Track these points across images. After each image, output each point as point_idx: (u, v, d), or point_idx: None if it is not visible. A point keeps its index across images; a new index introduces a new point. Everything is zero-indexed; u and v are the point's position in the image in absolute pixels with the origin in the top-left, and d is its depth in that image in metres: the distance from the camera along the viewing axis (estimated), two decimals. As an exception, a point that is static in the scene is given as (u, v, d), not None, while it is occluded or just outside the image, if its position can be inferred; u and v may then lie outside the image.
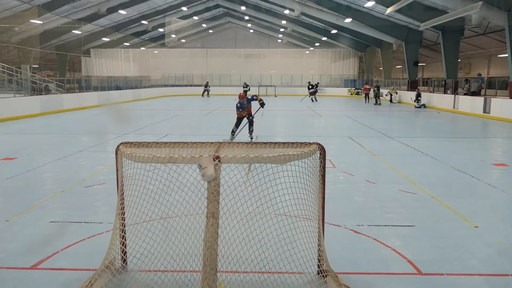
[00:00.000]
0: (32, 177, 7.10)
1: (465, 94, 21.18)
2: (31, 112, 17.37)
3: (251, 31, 48.12)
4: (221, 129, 14.25)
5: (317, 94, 30.57)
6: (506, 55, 17.20)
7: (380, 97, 27.30)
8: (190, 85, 41.44)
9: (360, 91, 36.05)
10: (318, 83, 33.30)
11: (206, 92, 35.46)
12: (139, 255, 3.48)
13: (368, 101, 28.31)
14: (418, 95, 24.33)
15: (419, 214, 5.23)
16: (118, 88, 30.06)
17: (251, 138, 10.98)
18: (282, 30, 42.57)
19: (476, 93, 20.68)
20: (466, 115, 19.38)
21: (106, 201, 5.66)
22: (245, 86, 34.12)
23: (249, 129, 11.15)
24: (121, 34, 39.05)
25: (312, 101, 29.07)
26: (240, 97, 10.97)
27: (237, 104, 10.97)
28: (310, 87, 30.44)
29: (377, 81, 28.98)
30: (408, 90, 28.33)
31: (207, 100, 31.20)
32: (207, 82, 36.58)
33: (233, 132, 11.15)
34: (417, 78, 29.30)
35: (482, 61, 32.43)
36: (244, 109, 10.90)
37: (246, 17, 41.36)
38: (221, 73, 42.15)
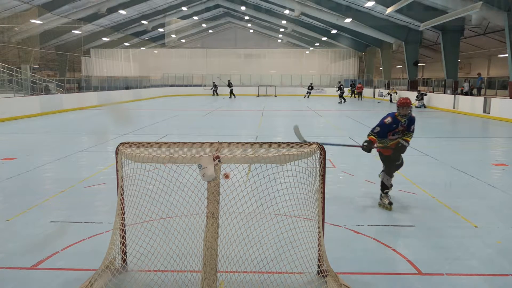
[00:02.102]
0: (32, 177, 7.10)
1: (465, 94, 21.22)
2: (31, 112, 17.37)
3: (251, 31, 48.12)
4: (221, 129, 14.26)
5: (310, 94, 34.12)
6: (506, 55, 17.20)
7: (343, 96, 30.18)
8: (190, 85, 41.49)
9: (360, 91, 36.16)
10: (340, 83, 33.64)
11: (214, 92, 36.55)
12: (139, 255, 3.48)
13: (361, 99, 32.46)
14: (422, 96, 24.32)
15: (419, 214, 5.23)
16: (114, 88, 30.11)
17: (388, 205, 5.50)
18: (282, 30, 42.57)
19: (469, 94, 20.76)
20: (466, 115, 19.38)
21: (106, 201, 5.66)
22: (229, 85, 34.55)
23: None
24: (121, 34, 39.06)
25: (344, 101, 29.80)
26: (404, 103, 5.28)
27: (390, 123, 5.31)
28: (310, 87, 34.23)
29: (340, 82, 32.05)
30: (408, 90, 28.36)
31: (215, 99, 31.84)
32: (213, 82, 37.57)
33: (386, 188, 5.56)
34: (417, 78, 29.33)
35: (482, 61, 32.43)
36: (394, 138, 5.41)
37: (246, 17, 41.36)
38: (221, 73, 42.16)
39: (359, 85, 33.22)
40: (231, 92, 33.92)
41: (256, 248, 3.41)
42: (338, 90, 29.67)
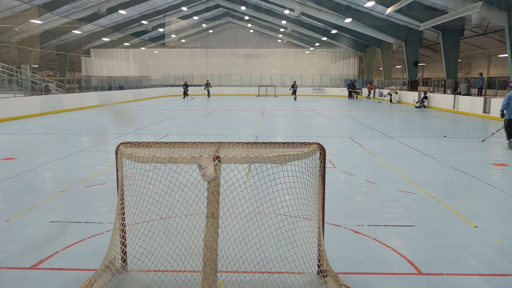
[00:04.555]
0: (32, 177, 7.10)
1: (465, 94, 21.23)
2: (31, 112, 17.37)
3: (251, 31, 48.14)
4: (221, 129, 14.27)
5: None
6: (506, 55, 17.20)
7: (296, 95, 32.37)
8: (190, 85, 41.50)
9: (360, 91, 36.18)
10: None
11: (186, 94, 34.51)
12: (139, 255, 3.48)
13: (369, 97, 34.73)
14: (424, 97, 24.29)
15: (419, 214, 5.23)
16: (112, 88, 30.12)
17: None
18: (282, 30, 42.59)
19: (467, 95, 20.79)
20: (466, 115, 19.38)
21: (106, 201, 5.66)
22: (186, 84, 33.95)
23: None
24: (121, 34, 39.08)
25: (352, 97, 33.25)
26: None
27: None
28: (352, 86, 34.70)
29: (295, 81, 33.65)
30: (408, 90, 28.35)
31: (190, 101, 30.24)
32: (186, 82, 35.39)
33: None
34: (417, 78, 29.33)
35: (482, 61, 32.44)
36: None
37: (246, 17, 41.38)
38: (221, 73, 42.16)
39: (369, 85, 35.43)
40: (184, 92, 33.74)
41: (256, 248, 3.41)
42: (291, 89, 32.19)
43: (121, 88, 31.40)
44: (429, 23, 21.38)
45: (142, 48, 45.39)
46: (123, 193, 3.50)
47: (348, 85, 35.10)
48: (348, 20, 26.81)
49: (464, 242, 4.35)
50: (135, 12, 34.30)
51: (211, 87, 35.61)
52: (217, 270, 3.07)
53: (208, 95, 35.42)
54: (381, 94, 32.81)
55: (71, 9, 28.47)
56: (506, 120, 10.12)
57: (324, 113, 20.22)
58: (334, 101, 30.65)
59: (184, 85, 34.47)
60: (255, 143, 3.64)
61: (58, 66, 38.11)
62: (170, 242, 3.45)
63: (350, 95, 34.04)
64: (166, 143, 3.61)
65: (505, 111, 10.07)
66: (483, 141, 11.13)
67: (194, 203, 3.31)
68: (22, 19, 26.03)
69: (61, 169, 7.79)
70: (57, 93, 21.72)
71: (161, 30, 40.70)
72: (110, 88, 29.26)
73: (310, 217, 3.51)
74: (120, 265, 3.66)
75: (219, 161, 3.06)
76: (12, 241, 4.36)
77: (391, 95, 29.13)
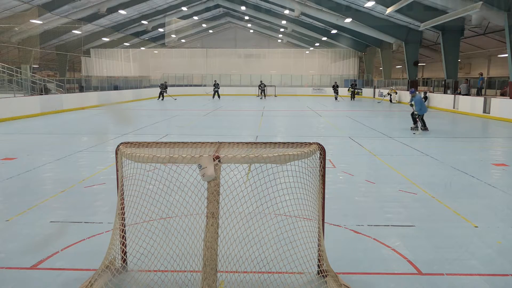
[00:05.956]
0: (32, 177, 7.10)
1: (465, 94, 21.24)
2: (31, 112, 17.37)
3: (251, 31, 48.14)
4: (221, 129, 14.27)
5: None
6: (506, 55, 17.20)
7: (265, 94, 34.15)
8: (190, 85, 41.50)
9: (360, 91, 36.06)
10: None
11: (161, 96, 30.57)
12: (139, 255, 3.48)
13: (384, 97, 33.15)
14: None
15: (419, 214, 5.23)
16: (117, 88, 30.07)
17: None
18: (282, 30, 42.58)
19: (466, 95, 20.79)
20: (466, 115, 19.37)
21: (106, 201, 5.66)
22: (162, 86, 30.46)
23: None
24: (121, 34, 39.06)
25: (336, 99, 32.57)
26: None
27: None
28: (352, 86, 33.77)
29: (261, 81, 34.93)
30: (408, 90, 28.33)
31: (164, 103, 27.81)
32: (165, 83, 31.69)
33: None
34: (417, 78, 29.31)
35: (482, 61, 32.42)
36: None
37: (246, 17, 41.38)
38: (221, 73, 42.16)
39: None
40: (160, 93, 30.16)
41: (256, 248, 3.41)
42: (259, 88, 34.02)
43: (120, 88, 31.33)
44: (429, 23, 21.38)
45: (142, 48, 45.38)
46: (123, 193, 3.50)
47: (352, 85, 33.81)
48: (348, 20, 26.80)
49: (464, 242, 4.35)
50: (135, 12, 34.29)
51: (219, 88, 32.55)
52: (217, 270, 3.07)
53: (214, 96, 32.17)
54: (381, 94, 32.77)
55: (71, 9, 28.46)
56: (417, 114, 13.08)
57: (324, 113, 20.22)
58: (334, 101, 30.63)
59: (161, 85, 30.66)
60: (255, 143, 3.64)
61: (58, 66, 38.08)
62: (170, 242, 3.45)
63: (351, 96, 33.13)
64: (166, 143, 3.62)
65: (414, 106, 13.08)
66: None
67: (194, 203, 3.31)
68: (22, 19, 26.02)
69: (61, 169, 7.79)
70: (57, 93, 21.72)
71: (161, 30, 40.69)
72: (110, 88, 29.22)
73: (310, 217, 3.51)
74: (120, 265, 3.66)
75: (219, 161, 3.06)
76: (12, 241, 4.37)
77: (391, 95, 29.12)
